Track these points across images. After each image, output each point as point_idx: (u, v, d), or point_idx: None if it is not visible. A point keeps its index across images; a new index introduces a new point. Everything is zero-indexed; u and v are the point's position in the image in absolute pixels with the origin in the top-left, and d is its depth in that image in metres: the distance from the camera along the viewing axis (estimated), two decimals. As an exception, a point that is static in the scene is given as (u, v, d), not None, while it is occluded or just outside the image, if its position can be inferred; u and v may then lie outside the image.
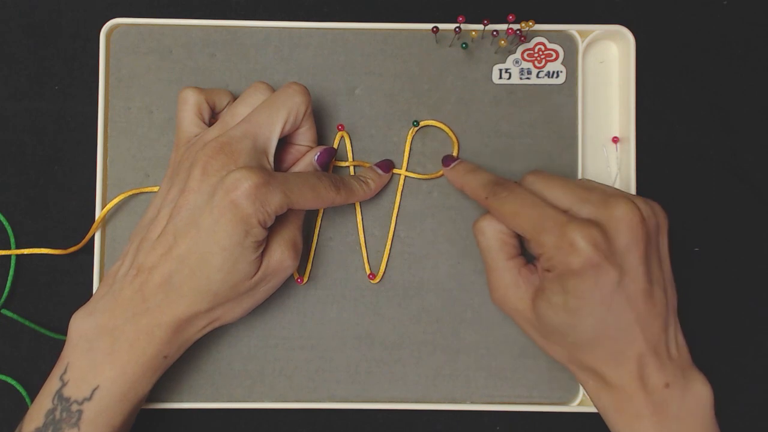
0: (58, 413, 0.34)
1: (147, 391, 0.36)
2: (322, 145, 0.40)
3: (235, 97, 0.40)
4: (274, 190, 0.34)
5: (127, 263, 0.36)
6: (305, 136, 0.39)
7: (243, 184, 0.33)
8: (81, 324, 0.35)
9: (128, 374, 0.35)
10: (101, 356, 0.34)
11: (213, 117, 0.40)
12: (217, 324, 0.37)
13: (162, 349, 0.35)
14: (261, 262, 0.36)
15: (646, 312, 0.34)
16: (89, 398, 0.34)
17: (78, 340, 0.35)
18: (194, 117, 0.38)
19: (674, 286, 0.36)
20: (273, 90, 0.38)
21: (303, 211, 0.39)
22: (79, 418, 0.34)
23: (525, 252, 0.38)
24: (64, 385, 0.35)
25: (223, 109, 0.40)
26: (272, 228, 0.36)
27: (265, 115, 0.36)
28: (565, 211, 0.35)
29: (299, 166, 0.39)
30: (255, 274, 0.35)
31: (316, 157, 0.39)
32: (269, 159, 0.37)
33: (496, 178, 0.38)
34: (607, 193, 0.35)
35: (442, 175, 0.42)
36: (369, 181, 0.40)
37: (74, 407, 0.34)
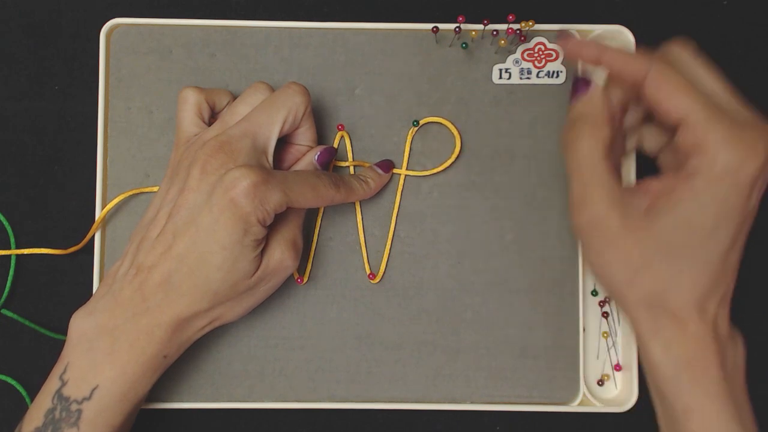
0: (57, 413, 0.34)
1: (147, 391, 0.36)
2: (322, 144, 0.40)
3: (235, 98, 0.40)
4: (273, 189, 0.34)
5: (127, 263, 0.36)
6: (305, 135, 0.39)
7: (242, 183, 0.33)
8: (81, 324, 0.35)
9: (128, 374, 0.35)
10: (101, 356, 0.34)
11: (213, 117, 0.40)
12: (217, 323, 0.37)
13: (162, 348, 0.35)
14: (261, 261, 0.36)
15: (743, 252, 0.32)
16: (89, 398, 0.34)
17: (78, 340, 0.35)
18: (194, 117, 0.38)
19: None
20: (273, 90, 0.38)
21: (303, 210, 0.39)
22: (78, 418, 0.34)
23: None
24: (63, 384, 0.35)
25: (223, 108, 0.40)
26: (272, 227, 0.36)
27: (265, 115, 0.37)
28: None
29: (299, 166, 0.39)
30: (254, 273, 0.35)
31: (316, 156, 0.39)
32: (268, 158, 0.37)
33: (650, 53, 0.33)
34: (752, 114, 0.32)
35: (442, 171, 0.42)
36: (369, 180, 0.40)
37: (74, 407, 0.34)
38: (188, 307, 0.35)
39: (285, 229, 0.37)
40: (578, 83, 0.35)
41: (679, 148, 0.31)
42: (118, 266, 0.37)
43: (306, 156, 0.39)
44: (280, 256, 0.36)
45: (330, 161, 0.40)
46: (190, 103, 0.38)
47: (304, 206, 0.37)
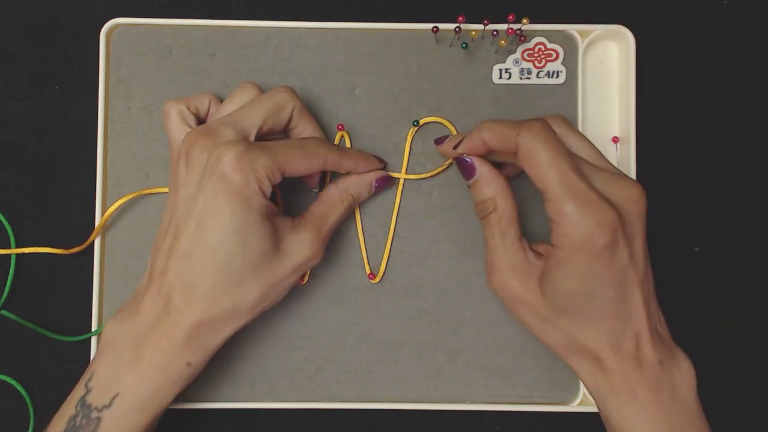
0: (78, 420, 0.34)
1: (169, 401, 0.35)
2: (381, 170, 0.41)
3: (217, 97, 0.40)
4: (259, 154, 0.34)
5: (147, 272, 0.36)
6: (304, 134, 0.39)
7: (225, 157, 0.33)
8: (109, 331, 0.35)
9: (149, 382, 0.34)
10: (124, 364, 0.34)
11: (201, 123, 0.40)
12: (241, 322, 0.36)
13: (183, 354, 0.35)
14: (277, 238, 0.35)
15: (647, 292, 0.35)
16: (108, 406, 0.34)
17: (105, 348, 0.35)
18: (180, 125, 0.38)
19: None
20: (261, 90, 0.38)
21: (340, 208, 0.39)
22: (97, 426, 0.34)
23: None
24: (88, 392, 0.35)
25: (207, 110, 0.40)
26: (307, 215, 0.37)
27: (246, 109, 0.36)
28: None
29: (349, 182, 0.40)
30: (271, 250, 0.35)
31: (375, 182, 0.41)
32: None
33: (522, 121, 0.36)
34: (617, 173, 0.35)
35: (441, 172, 0.42)
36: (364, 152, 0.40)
37: (94, 414, 0.34)
38: (209, 308, 0.34)
39: (321, 221, 0.38)
40: (462, 163, 0.38)
41: (546, 214, 0.34)
42: (144, 277, 0.37)
43: (363, 177, 0.40)
44: (309, 247, 0.37)
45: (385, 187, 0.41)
46: (173, 114, 0.38)
47: (299, 170, 0.36)
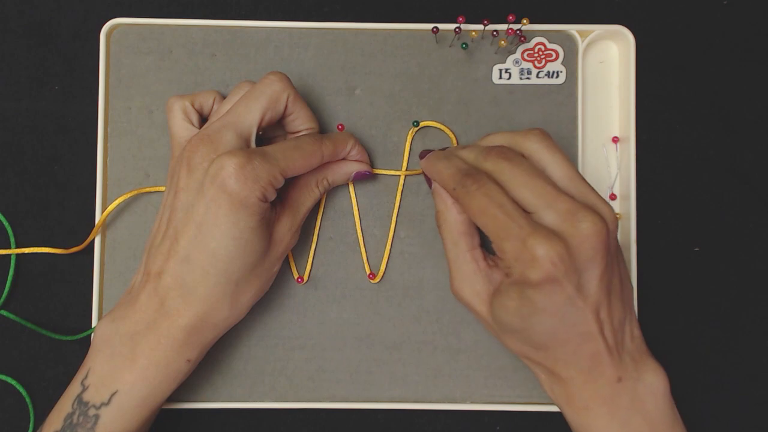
0: (75, 417, 0.34)
1: (166, 396, 0.36)
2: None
3: (221, 96, 0.40)
4: (261, 163, 0.34)
5: (141, 271, 0.37)
6: (300, 121, 0.39)
7: (227, 169, 0.33)
8: (104, 330, 0.36)
9: (148, 379, 0.34)
10: (121, 361, 0.35)
11: (204, 121, 0.40)
12: (238, 319, 0.37)
13: (183, 352, 0.35)
14: (270, 233, 0.36)
15: (602, 320, 0.34)
16: (107, 403, 0.34)
17: (100, 346, 0.35)
18: (183, 121, 0.38)
19: (629, 278, 0.37)
20: None
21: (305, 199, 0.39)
22: (95, 423, 0.34)
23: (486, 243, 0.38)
24: (84, 389, 0.35)
25: (211, 107, 0.40)
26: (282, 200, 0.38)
27: (243, 106, 0.36)
28: (529, 214, 0.34)
29: (338, 172, 0.40)
30: (267, 246, 0.36)
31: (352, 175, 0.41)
32: (251, 146, 0.37)
33: (468, 168, 0.36)
34: (575, 204, 0.33)
35: None
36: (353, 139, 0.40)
37: (91, 411, 0.34)
38: (208, 309, 0.35)
39: (298, 206, 0.38)
40: (424, 174, 0.40)
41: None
42: (136, 275, 0.37)
43: (343, 167, 0.40)
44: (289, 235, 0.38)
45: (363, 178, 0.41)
46: (176, 110, 0.38)
47: (299, 171, 0.37)
